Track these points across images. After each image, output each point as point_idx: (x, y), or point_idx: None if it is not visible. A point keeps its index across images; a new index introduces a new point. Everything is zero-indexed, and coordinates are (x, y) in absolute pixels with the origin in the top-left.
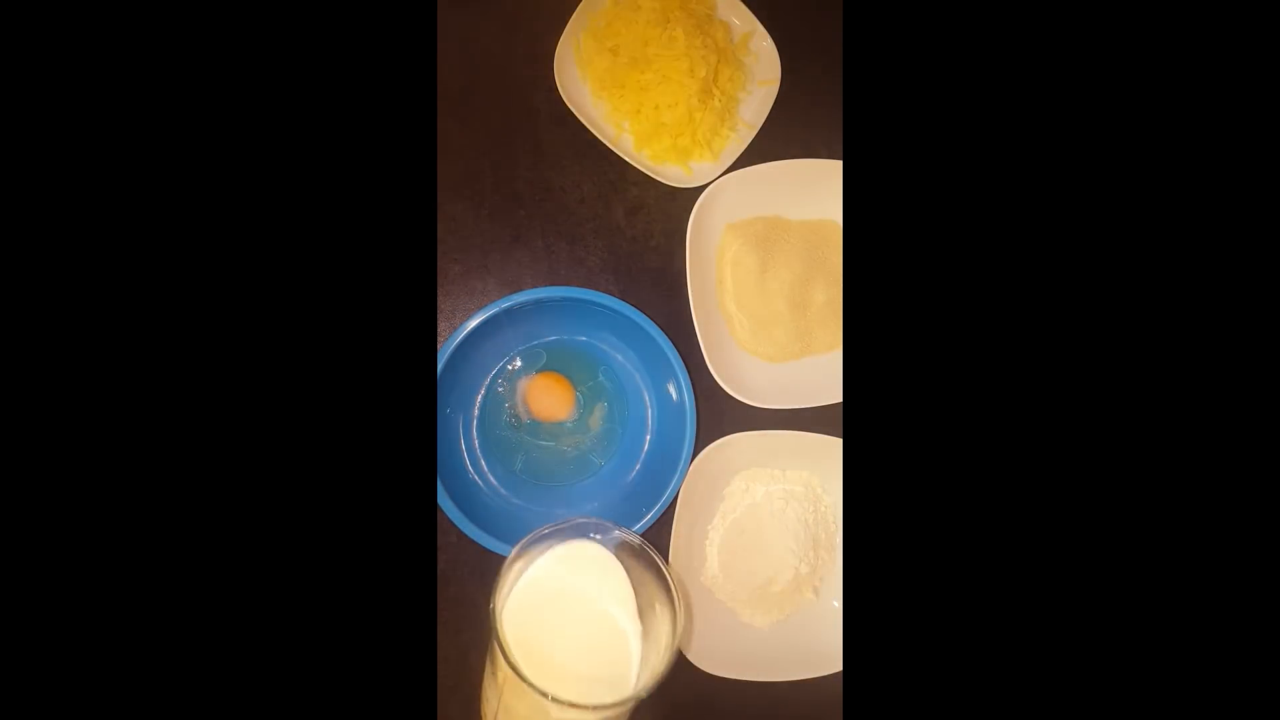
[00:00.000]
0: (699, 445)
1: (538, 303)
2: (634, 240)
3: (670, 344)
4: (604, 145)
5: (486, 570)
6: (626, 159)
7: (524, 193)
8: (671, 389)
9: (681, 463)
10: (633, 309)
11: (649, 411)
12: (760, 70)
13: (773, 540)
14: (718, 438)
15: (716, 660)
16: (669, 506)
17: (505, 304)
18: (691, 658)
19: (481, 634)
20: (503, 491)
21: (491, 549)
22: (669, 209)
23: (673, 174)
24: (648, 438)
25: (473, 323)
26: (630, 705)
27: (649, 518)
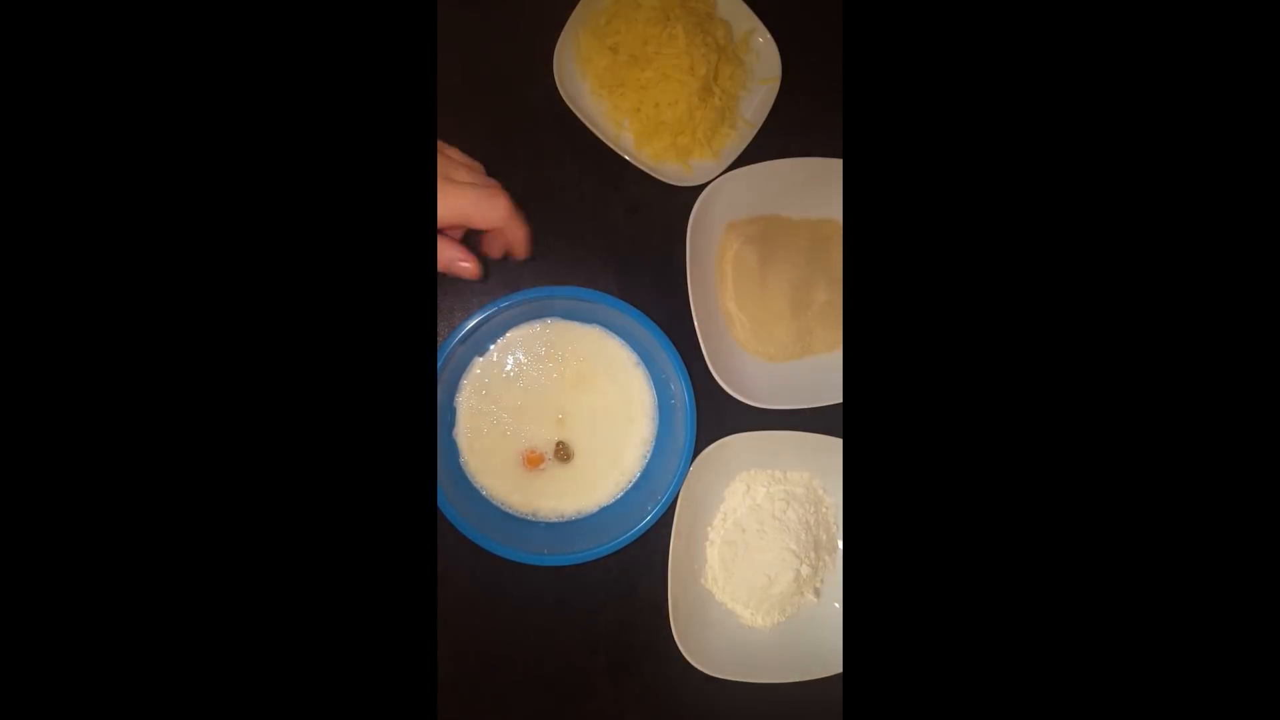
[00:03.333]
0: (699, 445)
1: (537, 303)
2: (634, 240)
3: (670, 343)
4: (604, 144)
5: (485, 571)
6: (626, 157)
7: (524, 192)
8: (672, 389)
9: (681, 462)
10: (633, 309)
11: (653, 416)
12: (761, 68)
13: (773, 541)
14: (718, 438)
15: (717, 662)
16: (669, 506)
17: (504, 304)
18: (691, 659)
19: (479, 635)
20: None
21: (490, 550)
22: (669, 208)
23: (673, 172)
24: (649, 440)
25: (471, 322)
26: None
27: (649, 518)
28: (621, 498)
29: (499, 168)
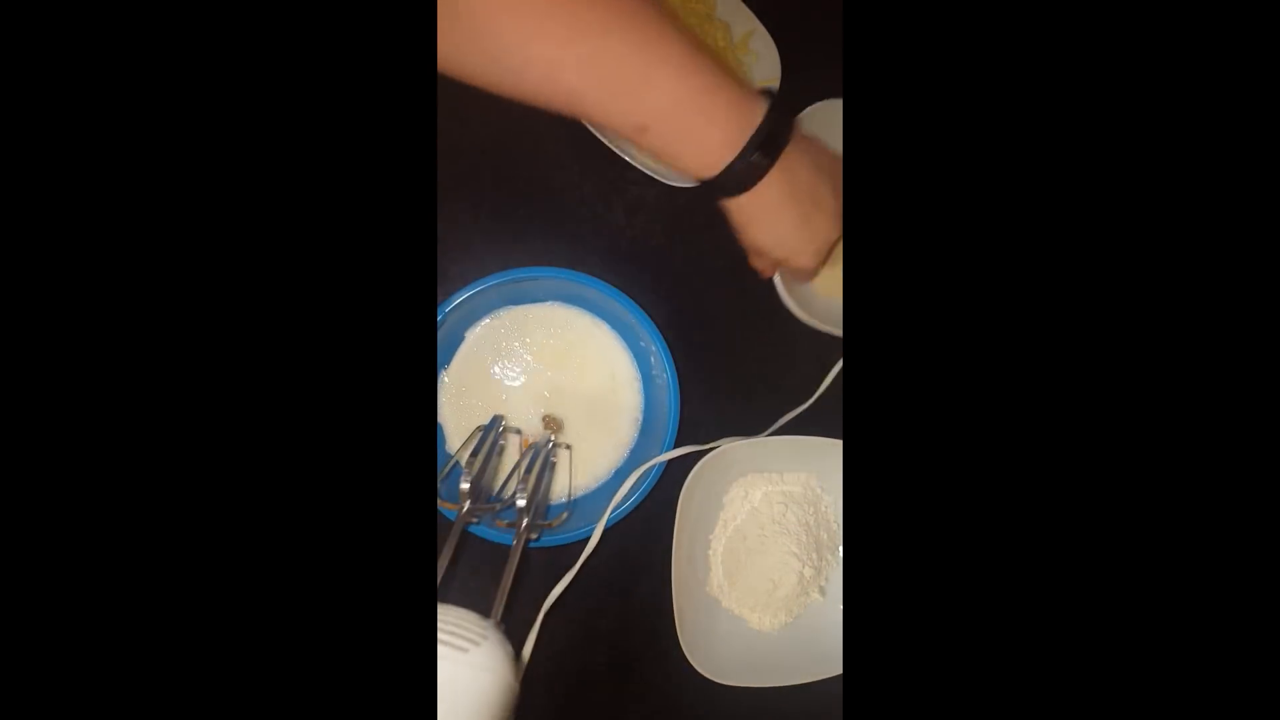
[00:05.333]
0: (697, 454)
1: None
2: (634, 240)
3: (647, 317)
4: (604, 145)
5: (486, 568)
6: (627, 158)
7: (524, 193)
8: (652, 361)
9: (669, 426)
10: (604, 284)
11: (639, 391)
12: (760, 70)
13: (775, 544)
14: (717, 439)
15: (728, 668)
16: (653, 488)
17: (495, 279)
18: (700, 668)
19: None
20: None
21: (490, 539)
22: (669, 208)
23: (673, 173)
24: (638, 420)
25: (456, 301)
26: None
27: (649, 480)
28: (617, 472)
29: (500, 170)
